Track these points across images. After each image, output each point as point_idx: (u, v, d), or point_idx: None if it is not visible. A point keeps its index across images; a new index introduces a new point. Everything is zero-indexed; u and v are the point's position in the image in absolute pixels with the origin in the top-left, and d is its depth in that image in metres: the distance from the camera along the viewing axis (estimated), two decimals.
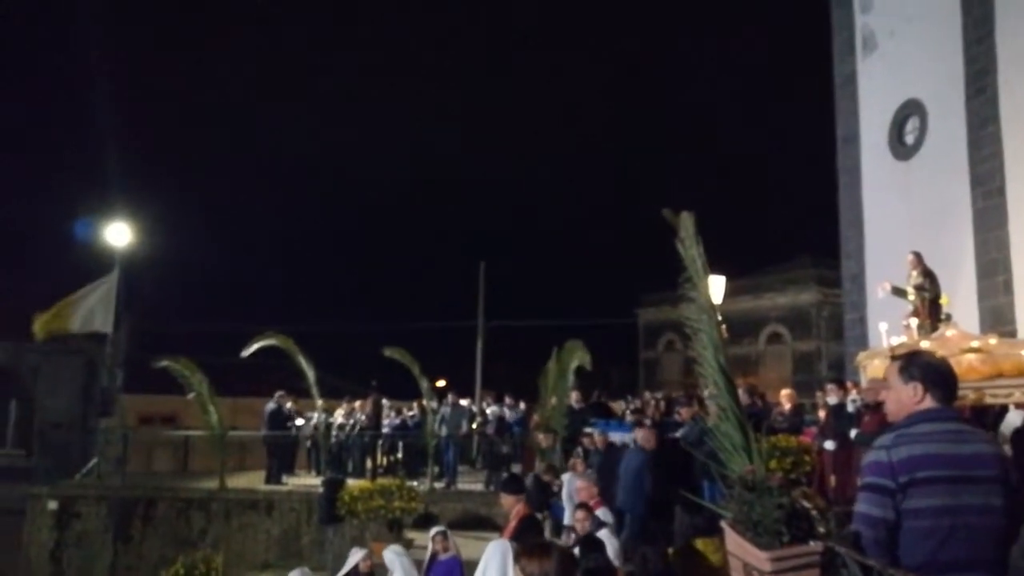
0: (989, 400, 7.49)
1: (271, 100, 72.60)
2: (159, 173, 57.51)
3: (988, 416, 7.63)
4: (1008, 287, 12.04)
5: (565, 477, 9.08)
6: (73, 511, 14.38)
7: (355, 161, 70.43)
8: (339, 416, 15.89)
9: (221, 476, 14.57)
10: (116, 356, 17.84)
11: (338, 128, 73.53)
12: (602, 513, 6.54)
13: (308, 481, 14.87)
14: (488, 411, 17.46)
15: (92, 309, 15.41)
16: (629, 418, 13.48)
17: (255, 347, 14.15)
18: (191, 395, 14.64)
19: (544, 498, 8.90)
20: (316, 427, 15.13)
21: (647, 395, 18.71)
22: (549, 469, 9.88)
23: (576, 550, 5.02)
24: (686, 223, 5.38)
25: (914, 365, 2.72)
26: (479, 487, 14.43)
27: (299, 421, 15.84)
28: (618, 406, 16.56)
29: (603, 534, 5.88)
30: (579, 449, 11.59)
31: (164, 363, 14.42)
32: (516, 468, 13.65)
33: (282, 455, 15.52)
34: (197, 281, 47.23)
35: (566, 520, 6.85)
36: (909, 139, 14.64)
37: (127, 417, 18.70)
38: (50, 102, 61.45)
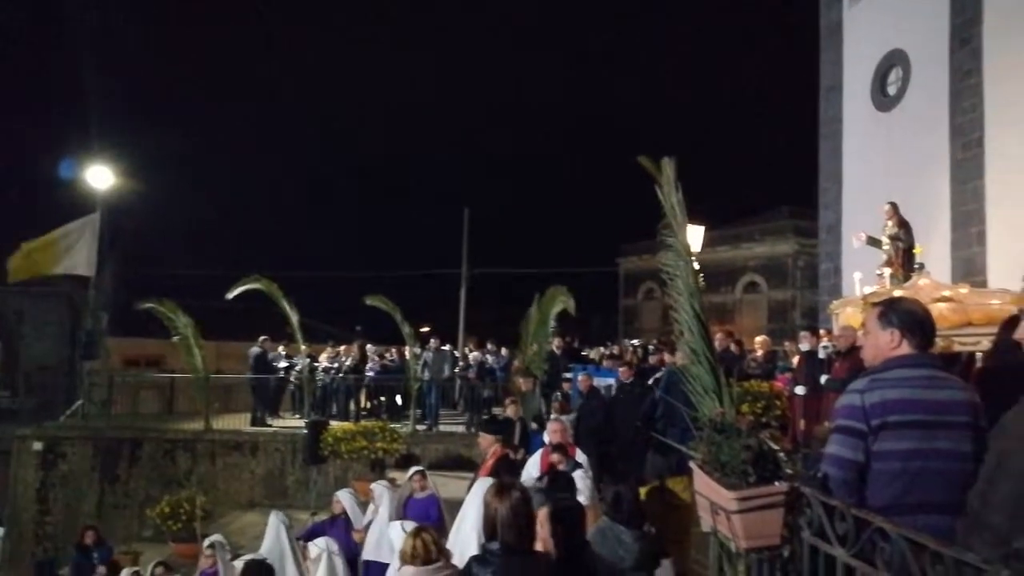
0: (957, 348, 7.68)
1: (258, 47, 70.78)
2: (142, 116, 56.43)
3: (956, 364, 7.83)
4: (981, 238, 12.21)
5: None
6: (59, 451, 14.50)
7: (340, 107, 69.31)
8: (324, 360, 16.01)
9: (206, 418, 14.70)
10: (100, 299, 17.71)
11: (322, 74, 72.08)
12: (578, 455, 6.71)
13: (292, 423, 15.05)
14: (470, 356, 17.65)
15: (74, 252, 15.26)
16: (606, 364, 13.73)
17: (239, 290, 14.10)
18: (176, 338, 14.65)
19: (511, 437, 9.07)
20: (300, 371, 15.23)
21: (625, 342, 19.00)
22: (513, 403, 10.04)
23: (544, 482, 5.16)
24: (666, 169, 5.41)
25: (893, 312, 2.75)
26: (460, 429, 14.70)
27: (282, 364, 15.94)
28: (596, 352, 16.83)
29: (578, 474, 6.05)
30: (558, 393, 11.82)
31: (148, 305, 14.38)
32: (497, 411, 13.89)
33: (267, 398, 15.66)
34: (181, 225, 46.73)
35: (532, 459, 7.02)
36: (891, 90, 14.61)
37: (112, 360, 18.69)
38: (32, 41, 59.53)
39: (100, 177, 17.31)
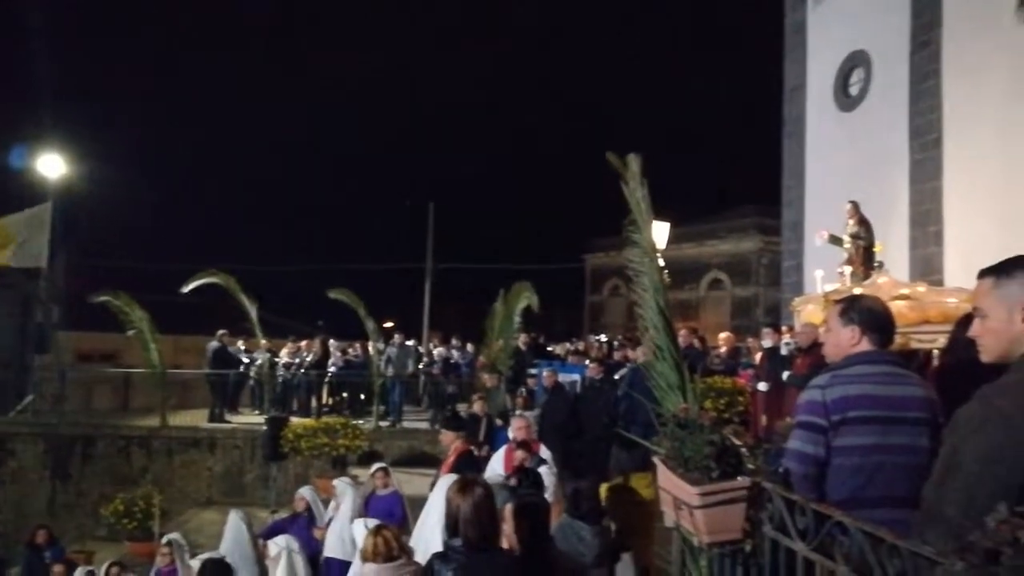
0: (915, 345, 7.80)
1: (214, 40, 69.53)
2: (96, 104, 55.05)
3: (914, 361, 7.95)
4: (939, 237, 12.46)
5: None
6: (8, 448, 14.12)
7: (306, 99, 68.50)
8: (284, 356, 15.80)
9: (163, 414, 14.43)
10: (52, 291, 17.28)
11: (285, 66, 71.19)
12: (541, 451, 6.69)
13: (252, 419, 14.83)
14: (435, 352, 17.57)
15: (25, 243, 14.85)
16: (571, 359, 13.76)
17: (195, 284, 13.87)
18: (131, 332, 14.34)
19: (477, 433, 9.08)
20: (260, 366, 15.01)
21: (591, 338, 19.08)
22: (481, 400, 10.04)
23: (512, 481, 5.16)
24: (632, 165, 5.41)
25: (854, 309, 2.79)
26: (424, 425, 14.61)
27: (245, 359, 15.70)
28: (561, 348, 16.88)
29: (543, 470, 6.02)
30: (522, 389, 11.81)
31: (103, 298, 14.06)
32: (462, 407, 13.85)
33: (225, 393, 15.42)
34: (137, 216, 45.69)
35: (496, 455, 7.01)
36: (854, 90, 14.83)
37: (65, 354, 18.25)
38: None
39: (51, 166, 16.90)
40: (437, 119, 69.65)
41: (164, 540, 8.07)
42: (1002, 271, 2.02)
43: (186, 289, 13.82)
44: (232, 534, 7.66)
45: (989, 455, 1.80)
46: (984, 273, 2.07)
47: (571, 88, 77.65)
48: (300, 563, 7.39)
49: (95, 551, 11.52)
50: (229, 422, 14.83)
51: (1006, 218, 10.86)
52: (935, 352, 7.46)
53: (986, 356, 2.08)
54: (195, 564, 6.95)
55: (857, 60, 14.68)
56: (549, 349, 16.21)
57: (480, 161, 70.36)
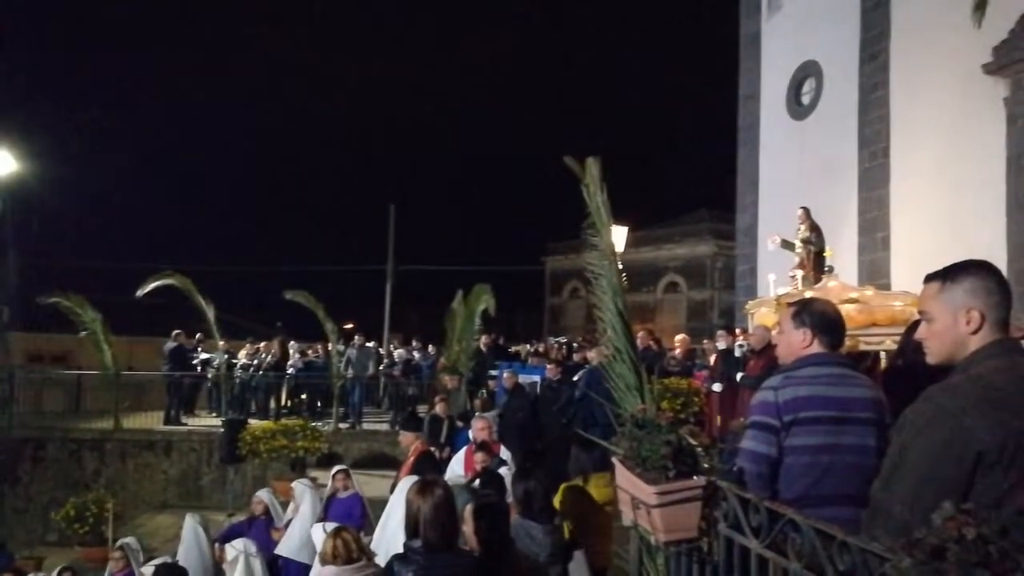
0: (863, 347, 8.04)
1: (171, 33, 68.21)
2: (47, 100, 53.54)
3: (863, 362, 8.16)
4: (886, 243, 12.84)
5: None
6: None
7: (264, 99, 67.57)
8: (243, 357, 15.61)
9: (116, 416, 14.12)
10: (1, 292, 16.80)
11: (242, 65, 70.10)
12: (501, 452, 6.75)
13: (209, 421, 14.62)
14: (396, 354, 17.53)
15: None
16: (532, 361, 13.86)
17: (152, 286, 13.65)
18: (84, 333, 14.04)
19: (439, 434, 9.11)
20: (218, 367, 14.81)
21: (550, 339, 19.22)
22: (443, 401, 10.08)
23: (476, 483, 5.21)
24: (591, 168, 5.49)
25: (806, 312, 2.85)
26: (384, 427, 14.57)
27: (204, 355, 15.47)
28: (522, 349, 16.98)
29: (503, 471, 6.08)
30: (483, 390, 11.87)
31: (54, 299, 13.74)
32: (423, 409, 13.84)
33: (182, 395, 15.17)
34: (91, 215, 44.57)
35: (456, 457, 7.06)
36: (805, 99, 15.18)
37: (15, 355, 17.77)
38: None
39: (1, 163, 16.45)
40: (401, 121, 69.38)
41: (117, 545, 7.93)
42: (947, 276, 2.08)
43: (142, 292, 13.58)
44: (189, 538, 7.57)
45: (935, 454, 1.86)
46: (930, 278, 2.13)
47: (529, 90, 77.90)
48: (257, 567, 7.32)
49: (45, 557, 11.24)
50: (185, 424, 14.60)
51: (951, 224, 11.23)
52: (883, 354, 7.71)
53: (932, 358, 2.14)
54: (148, 570, 6.84)
55: (809, 70, 15.03)
56: (510, 350, 16.29)
57: (440, 163, 70.19)
